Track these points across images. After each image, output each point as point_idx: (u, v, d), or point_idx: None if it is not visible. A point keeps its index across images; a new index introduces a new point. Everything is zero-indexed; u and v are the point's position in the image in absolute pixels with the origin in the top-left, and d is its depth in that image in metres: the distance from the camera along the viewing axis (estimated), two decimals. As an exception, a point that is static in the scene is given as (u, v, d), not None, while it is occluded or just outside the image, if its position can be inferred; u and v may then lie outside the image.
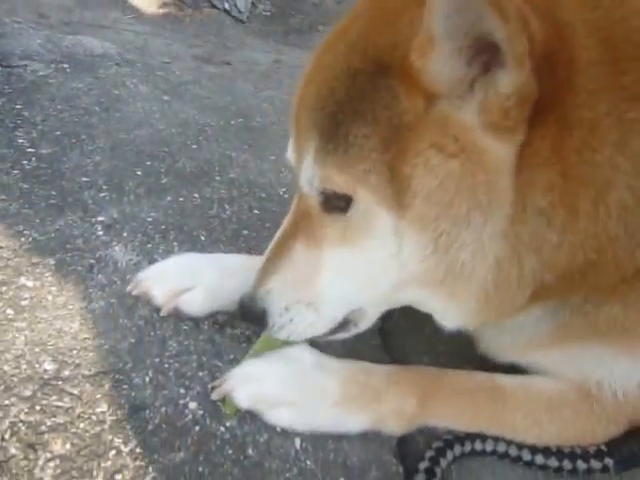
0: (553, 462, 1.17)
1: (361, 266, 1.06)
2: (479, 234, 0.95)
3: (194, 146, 2.04)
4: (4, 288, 1.27)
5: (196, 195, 1.76)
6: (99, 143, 1.89)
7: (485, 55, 0.87)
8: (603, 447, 1.19)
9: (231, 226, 1.66)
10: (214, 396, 1.13)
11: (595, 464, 1.17)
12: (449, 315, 1.11)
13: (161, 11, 4.43)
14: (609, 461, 1.17)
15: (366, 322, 1.18)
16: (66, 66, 2.37)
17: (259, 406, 1.12)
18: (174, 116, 2.23)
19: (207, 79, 2.84)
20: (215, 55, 3.46)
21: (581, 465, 1.17)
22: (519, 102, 0.88)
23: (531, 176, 0.93)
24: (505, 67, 0.85)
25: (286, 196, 1.86)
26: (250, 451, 1.08)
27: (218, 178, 1.87)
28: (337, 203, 1.01)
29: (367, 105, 0.94)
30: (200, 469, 1.03)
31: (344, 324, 1.17)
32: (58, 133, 1.89)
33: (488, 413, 1.20)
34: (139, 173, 1.79)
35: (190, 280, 1.30)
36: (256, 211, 1.75)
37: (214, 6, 4.72)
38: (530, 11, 0.84)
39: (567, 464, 1.17)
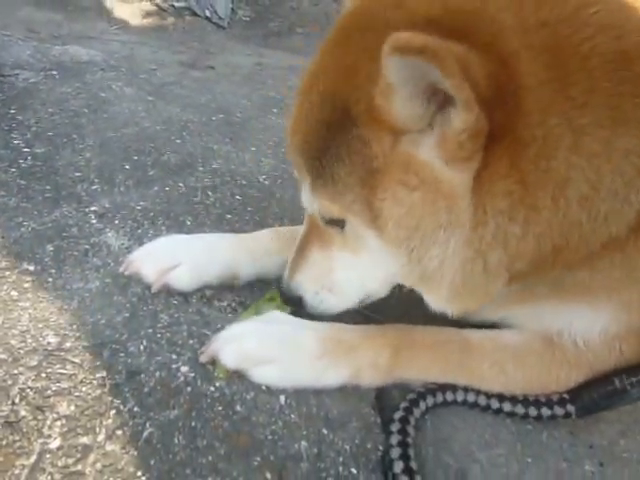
0: (520, 409, 1.24)
1: (360, 267, 1.20)
2: (444, 248, 1.07)
3: (178, 141, 2.09)
4: (8, 273, 1.32)
5: (181, 184, 1.80)
6: (89, 141, 1.94)
7: (440, 95, 0.94)
8: (565, 395, 1.25)
9: (215, 211, 1.71)
10: (202, 358, 1.18)
11: (558, 410, 1.24)
12: (432, 303, 1.20)
13: (145, 21, 4.48)
14: (571, 408, 1.23)
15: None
16: (55, 73, 2.42)
17: (244, 364, 1.17)
18: (158, 115, 2.27)
19: (189, 81, 2.85)
20: (199, 60, 3.44)
21: (546, 412, 1.24)
22: (472, 136, 0.95)
23: (490, 188, 1.01)
24: (456, 107, 0.92)
25: (266, 182, 1.92)
26: (238, 407, 1.12)
27: (201, 169, 1.92)
28: (335, 223, 1.16)
29: (343, 150, 1.05)
30: (193, 424, 1.07)
31: None
32: (50, 134, 1.94)
33: (457, 363, 1.26)
34: (127, 167, 1.84)
35: (176, 258, 1.37)
36: (238, 197, 1.80)
37: (195, 14, 4.78)
38: (470, 56, 0.90)
39: (533, 411, 1.24)
